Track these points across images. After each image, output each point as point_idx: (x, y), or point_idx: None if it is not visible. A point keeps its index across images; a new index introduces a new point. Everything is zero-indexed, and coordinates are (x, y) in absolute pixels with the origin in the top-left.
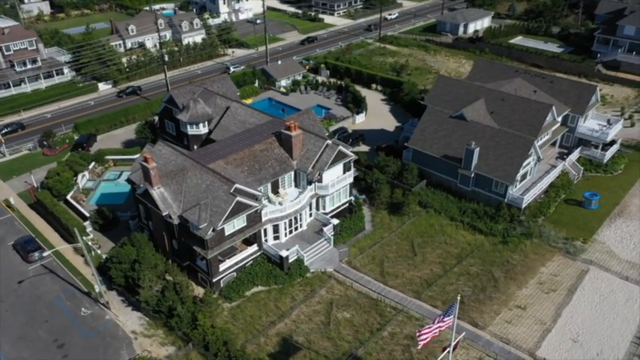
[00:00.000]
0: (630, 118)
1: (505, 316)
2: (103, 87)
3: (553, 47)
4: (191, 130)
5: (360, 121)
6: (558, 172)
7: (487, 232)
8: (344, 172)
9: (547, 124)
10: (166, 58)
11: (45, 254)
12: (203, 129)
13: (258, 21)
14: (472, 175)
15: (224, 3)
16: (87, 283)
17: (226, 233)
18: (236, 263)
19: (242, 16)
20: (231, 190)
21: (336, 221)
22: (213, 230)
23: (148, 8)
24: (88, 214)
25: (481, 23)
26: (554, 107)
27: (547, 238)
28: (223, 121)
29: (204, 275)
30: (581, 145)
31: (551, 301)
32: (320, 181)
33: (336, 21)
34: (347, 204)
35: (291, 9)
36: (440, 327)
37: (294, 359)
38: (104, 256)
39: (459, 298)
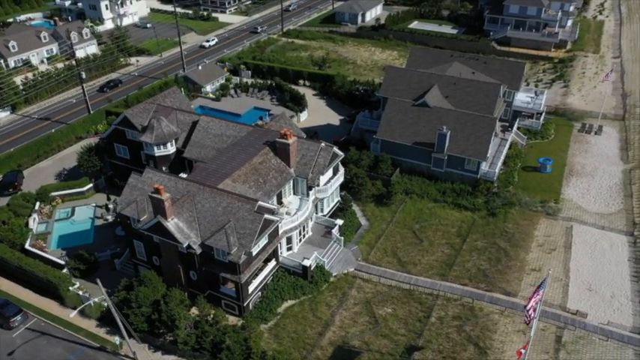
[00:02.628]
0: (536, 87)
1: (528, 280)
2: (0, 115)
3: (448, 29)
4: (158, 152)
5: (304, 118)
6: (509, 144)
7: (471, 207)
8: (334, 173)
9: (497, 102)
10: (84, 76)
11: (71, 315)
12: (171, 148)
13: (148, 25)
14: (445, 158)
15: (107, 8)
16: (95, 337)
17: (254, 254)
18: (260, 282)
19: (127, 21)
20: (255, 209)
21: (341, 222)
22: (246, 253)
23: (12, 20)
24: (62, 262)
25: (375, 11)
26: (501, 86)
27: (526, 205)
28: (195, 136)
29: (230, 301)
30: (517, 116)
31: (556, 259)
32: (318, 184)
33: (231, 19)
34: (337, 203)
35: (178, 9)
36: (537, 300)
37: None
38: (105, 304)
39: (550, 272)
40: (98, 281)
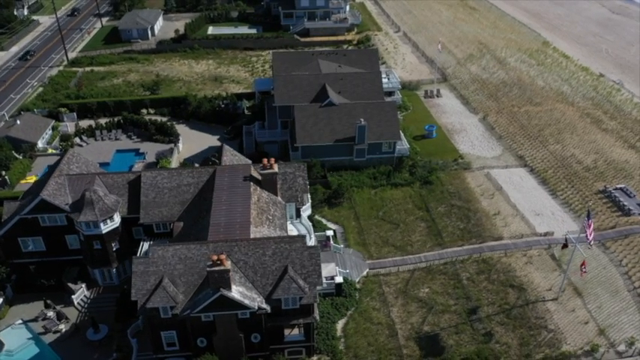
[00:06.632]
0: None
1: (499, 224)
2: None
3: (245, 29)
4: (105, 227)
5: (182, 147)
6: None
7: (405, 183)
8: None
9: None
10: None
11: None
12: (117, 219)
13: None
14: (366, 147)
15: None
16: None
17: None
18: None
19: None
20: (305, 244)
21: (331, 232)
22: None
23: None
24: None
25: (159, 23)
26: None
27: (446, 167)
28: (145, 196)
29: (296, 347)
30: None
31: (501, 200)
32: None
33: None
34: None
35: None
36: (590, 227)
37: (446, 342)
38: None
39: (590, 204)
40: None
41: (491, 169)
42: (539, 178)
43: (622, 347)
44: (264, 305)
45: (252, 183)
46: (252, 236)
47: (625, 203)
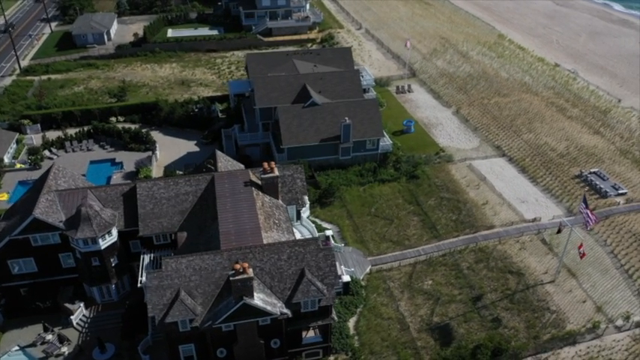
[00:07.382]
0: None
1: (489, 213)
2: None
3: (206, 31)
4: (104, 243)
5: (160, 154)
6: None
7: (391, 179)
8: None
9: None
10: None
11: None
12: (115, 233)
13: None
14: (351, 145)
15: None
16: None
17: None
18: None
19: None
20: (319, 246)
21: (330, 232)
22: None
23: None
24: None
25: (114, 27)
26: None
27: (429, 160)
28: (143, 208)
29: (313, 349)
30: None
31: (486, 190)
32: (304, 205)
33: None
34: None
35: None
36: (588, 212)
37: (457, 331)
38: None
39: (585, 192)
40: None
41: (473, 160)
42: (518, 167)
43: (620, 322)
44: (285, 310)
45: (253, 188)
46: (264, 242)
47: (601, 186)
